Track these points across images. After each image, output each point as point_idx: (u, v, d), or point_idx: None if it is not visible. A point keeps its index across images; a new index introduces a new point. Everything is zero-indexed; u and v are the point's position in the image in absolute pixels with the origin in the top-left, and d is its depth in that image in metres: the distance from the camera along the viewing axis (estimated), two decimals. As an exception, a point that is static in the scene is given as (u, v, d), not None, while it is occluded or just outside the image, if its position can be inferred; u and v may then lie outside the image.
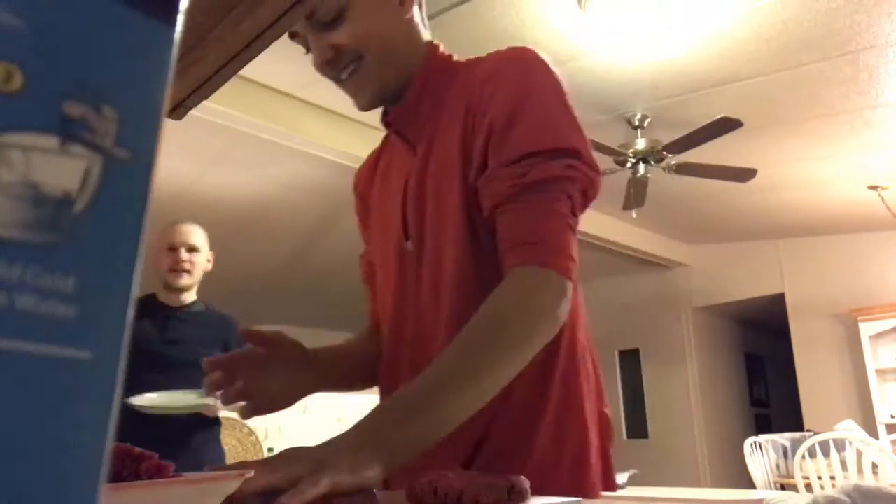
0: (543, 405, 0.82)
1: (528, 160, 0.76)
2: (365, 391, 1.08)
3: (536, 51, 0.84)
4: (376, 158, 1.06)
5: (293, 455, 0.60)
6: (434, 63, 0.91)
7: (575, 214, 0.77)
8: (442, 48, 0.94)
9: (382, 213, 0.97)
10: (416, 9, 0.92)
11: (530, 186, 0.75)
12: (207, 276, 2.39)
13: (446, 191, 0.84)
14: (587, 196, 0.79)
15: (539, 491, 0.63)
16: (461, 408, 0.68)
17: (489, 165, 0.79)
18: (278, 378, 0.92)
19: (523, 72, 0.82)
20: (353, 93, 0.90)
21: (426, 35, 0.94)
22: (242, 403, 0.91)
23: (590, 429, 0.84)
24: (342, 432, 0.65)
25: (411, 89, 0.90)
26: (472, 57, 0.93)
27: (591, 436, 0.84)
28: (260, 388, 0.91)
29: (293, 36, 0.88)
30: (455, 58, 0.94)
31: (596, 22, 2.99)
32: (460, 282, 0.82)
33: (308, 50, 0.89)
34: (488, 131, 0.79)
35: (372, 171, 1.05)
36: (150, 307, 2.28)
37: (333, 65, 0.86)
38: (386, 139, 1.05)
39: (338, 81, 0.89)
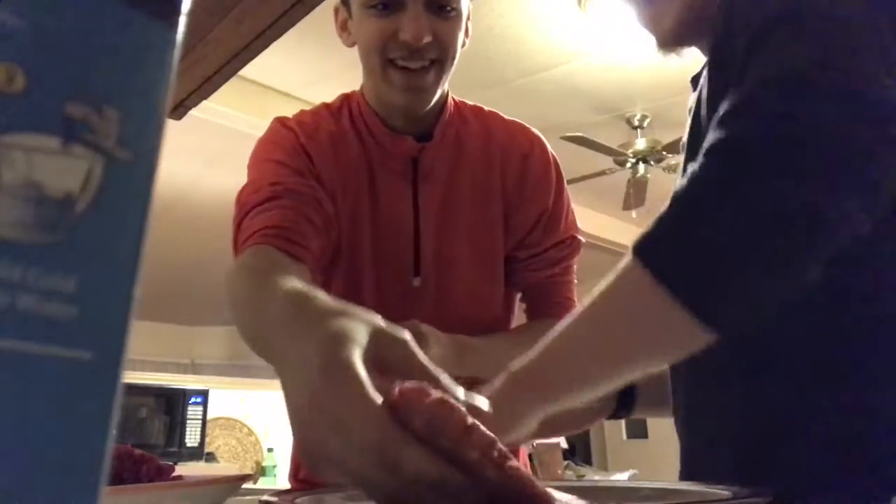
0: None
1: (565, 243, 1.07)
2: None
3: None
4: (333, 141, 1.03)
5: None
6: (453, 103, 1.04)
7: None
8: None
9: (382, 237, 0.99)
10: None
11: (569, 261, 1.09)
12: (206, 275, 2.38)
13: (488, 246, 1.03)
14: None
15: None
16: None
17: (540, 241, 1.06)
18: None
19: (556, 166, 1.08)
20: (418, 88, 0.93)
21: None
22: None
23: None
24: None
25: (439, 127, 1.01)
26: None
27: None
28: None
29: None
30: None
31: (595, 22, 2.99)
32: (492, 323, 1.04)
33: (385, 6, 0.90)
34: (538, 215, 1.05)
35: (335, 157, 1.02)
36: None
37: (422, 51, 0.91)
38: (346, 133, 1.04)
39: (407, 68, 0.91)
